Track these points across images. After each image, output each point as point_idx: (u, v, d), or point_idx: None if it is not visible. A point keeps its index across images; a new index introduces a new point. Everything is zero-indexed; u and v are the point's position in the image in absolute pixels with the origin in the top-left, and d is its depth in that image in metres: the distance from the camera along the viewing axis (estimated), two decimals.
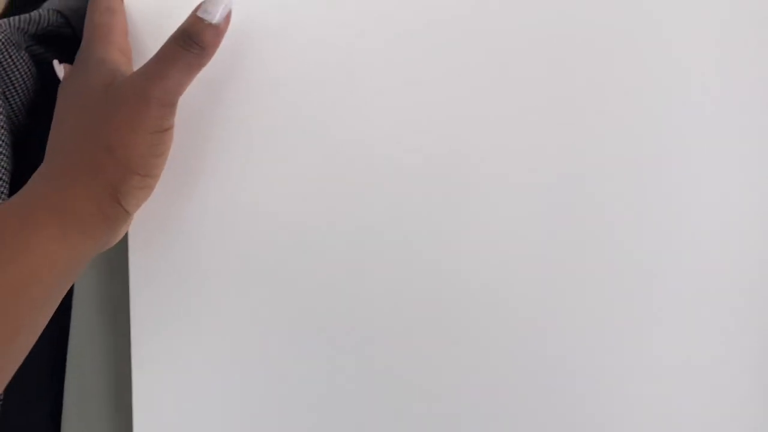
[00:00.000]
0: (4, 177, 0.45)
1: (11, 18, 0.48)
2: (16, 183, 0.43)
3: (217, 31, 0.31)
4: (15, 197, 0.30)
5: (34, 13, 0.50)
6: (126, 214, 0.32)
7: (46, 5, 0.53)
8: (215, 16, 0.30)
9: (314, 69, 0.34)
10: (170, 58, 0.31)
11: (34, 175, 0.31)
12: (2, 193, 0.45)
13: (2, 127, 0.45)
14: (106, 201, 0.30)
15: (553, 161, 0.33)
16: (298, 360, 0.34)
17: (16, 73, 0.46)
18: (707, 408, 0.33)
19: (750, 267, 0.33)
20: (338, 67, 0.35)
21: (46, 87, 0.48)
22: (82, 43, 0.36)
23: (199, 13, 0.31)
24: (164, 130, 0.31)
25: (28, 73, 0.46)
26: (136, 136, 0.30)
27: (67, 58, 0.46)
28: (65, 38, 0.51)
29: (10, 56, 0.45)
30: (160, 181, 0.35)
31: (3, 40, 0.43)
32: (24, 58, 0.45)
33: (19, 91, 0.47)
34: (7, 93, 0.45)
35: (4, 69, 0.44)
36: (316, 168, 0.34)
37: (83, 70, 0.33)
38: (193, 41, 0.31)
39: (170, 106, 0.31)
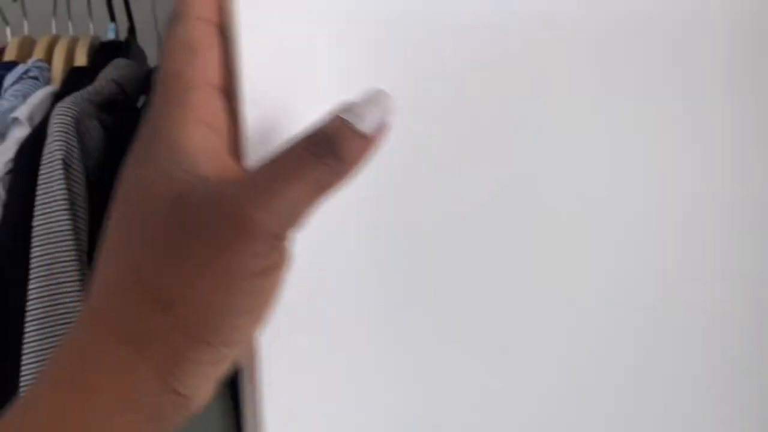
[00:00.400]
0: (84, 228, 0.53)
1: (81, 92, 0.56)
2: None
3: (367, 143, 0.22)
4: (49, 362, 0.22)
5: (97, 84, 0.58)
6: (184, 401, 0.21)
7: (102, 75, 0.61)
8: (368, 123, 0.22)
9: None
10: (292, 168, 0.21)
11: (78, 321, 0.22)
12: (82, 243, 0.53)
13: (83, 188, 0.53)
14: (151, 384, 0.20)
15: None
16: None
17: (90, 140, 0.54)
18: None
19: None
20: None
21: (111, 150, 0.56)
22: (153, 100, 0.25)
23: (345, 115, 0.22)
24: (262, 275, 0.21)
25: (99, 138, 0.55)
26: (215, 284, 0.20)
27: (128, 123, 0.54)
28: (121, 102, 0.60)
29: (86, 126, 0.53)
30: None
31: (80, 112, 0.51)
32: (95, 125, 0.53)
33: (92, 156, 0.55)
34: (84, 158, 0.53)
35: (81, 137, 0.52)
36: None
37: (146, 157, 0.22)
38: (333, 151, 0.22)
39: (278, 240, 0.21)
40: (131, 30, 0.71)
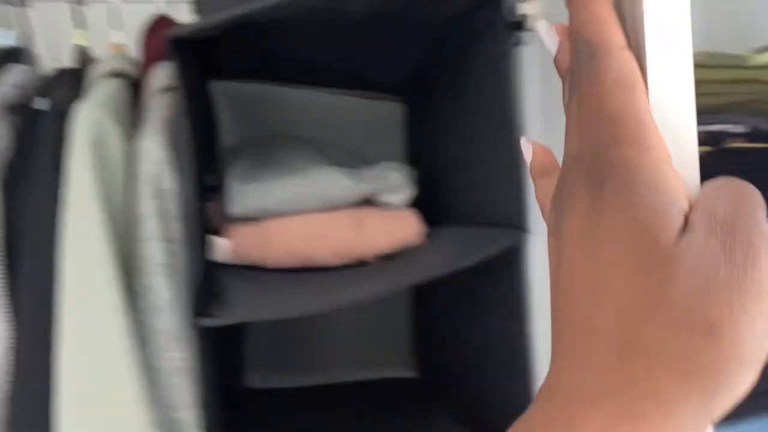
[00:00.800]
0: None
1: None
2: None
3: None
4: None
5: (3, 89, 0.63)
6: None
7: (4, 80, 0.66)
8: None
9: None
10: None
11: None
12: None
13: None
14: (698, 413, 0.19)
15: None
16: None
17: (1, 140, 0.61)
18: None
19: None
20: None
21: (19, 150, 0.62)
22: (575, 110, 0.22)
23: None
24: None
25: (8, 138, 0.61)
26: (759, 309, 0.19)
27: (32, 124, 0.60)
28: (25, 105, 0.65)
29: None
30: None
31: None
32: (4, 127, 0.59)
33: (2, 156, 0.61)
34: None
35: None
36: None
37: (627, 197, 0.20)
38: None
39: None
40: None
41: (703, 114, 0.76)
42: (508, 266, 0.66)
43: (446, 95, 0.78)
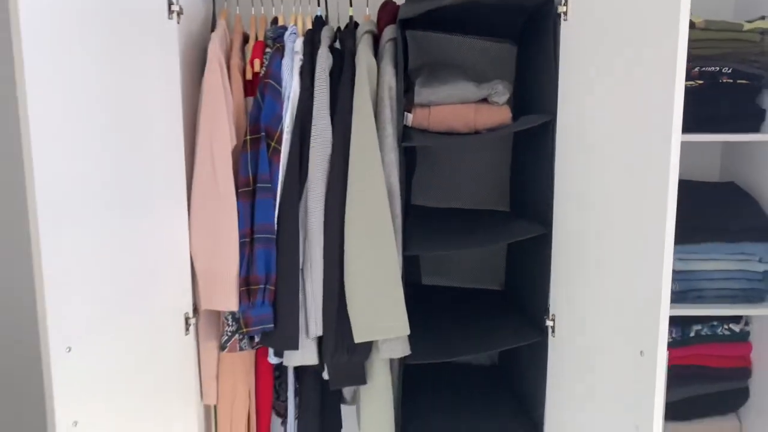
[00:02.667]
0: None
1: (319, 34, 1.40)
2: None
3: None
4: None
5: (324, 32, 1.41)
6: None
7: (322, 31, 1.44)
8: None
9: None
10: None
11: None
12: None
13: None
14: None
15: None
16: None
17: (326, 58, 1.39)
18: None
19: None
20: None
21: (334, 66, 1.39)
22: None
23: None
24: None
25: (329, 58, 1.39)
26: None
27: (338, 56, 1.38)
28: (332, 43, 1.43)
29: (321, 50, 1.38)
30: None
31: (320, 44, 1.36)
32: (327, 51, 1.38)
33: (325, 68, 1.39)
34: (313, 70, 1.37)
35: (313, 57, 1.37)
36: None
37: None
38: None
39: None
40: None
41: (703, 59, 1.41)
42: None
43: (534, 49, 1.45)
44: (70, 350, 1.00)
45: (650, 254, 1.03)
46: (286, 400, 1.57)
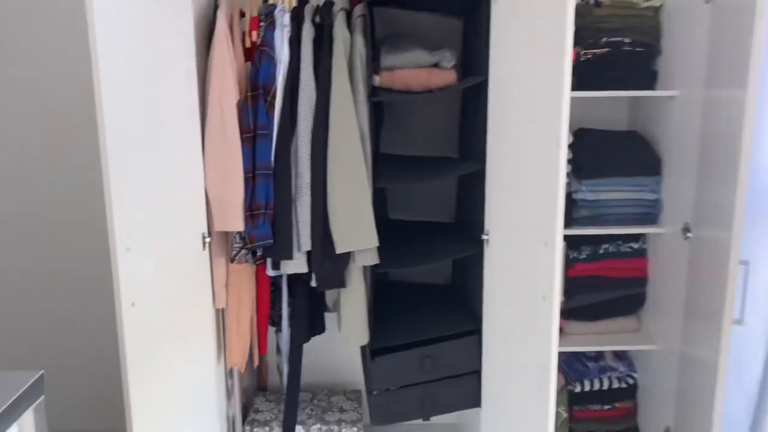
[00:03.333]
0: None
1: (302, 9, 1.75)
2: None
3: None
4: None
5: (307, 6, 1.76)
6: None
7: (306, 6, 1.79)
8: None
9: None
10: None
11: None
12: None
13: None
14: None
15: None
16: None
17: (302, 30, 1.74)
18: None
19: None
20: None
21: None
22: None
23: None
24: None
25: (308, 30, 1.74)
26: None
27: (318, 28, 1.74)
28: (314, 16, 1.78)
29: (304, 22, 1.72)
30: None
31: (302, 18, 1.71)
32: (310, 24, 1.73)
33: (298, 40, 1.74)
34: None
35: (300, 28, 1.72)
36: None
37: None
38: None
39: None
40: None
41: (609, 31, 1.84)
42: None
43: (473, 24, 1.82)
44: (129, 250, 1.36)
45: (550, 180, 1.42)
46: (280, 309, 1.96)
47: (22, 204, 2.22)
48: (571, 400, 2.12)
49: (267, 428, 2.05)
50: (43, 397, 1.04)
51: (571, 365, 2.16)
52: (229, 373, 1.95)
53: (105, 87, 1.26)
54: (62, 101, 2.14)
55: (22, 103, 2.16)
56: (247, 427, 2.05)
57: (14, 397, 0.96)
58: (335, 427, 2.05)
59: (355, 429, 2.06)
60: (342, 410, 2.15)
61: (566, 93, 1.36)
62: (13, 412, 0.96)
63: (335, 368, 2.35)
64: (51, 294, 2.27)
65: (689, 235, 1.72)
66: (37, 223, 2.23)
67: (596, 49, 1.92)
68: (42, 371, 1.05)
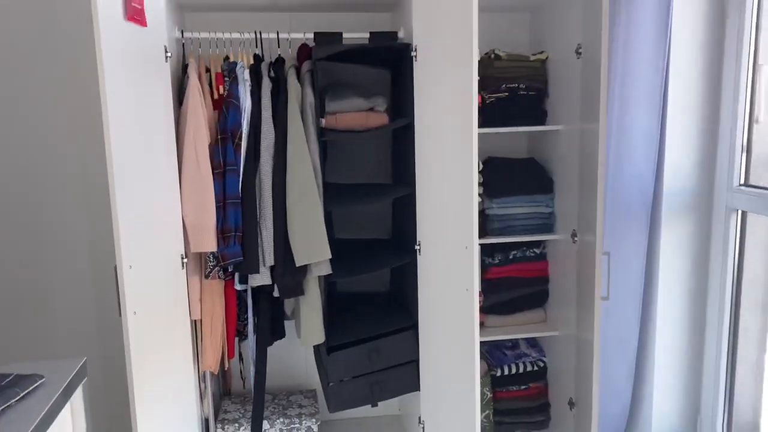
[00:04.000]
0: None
1: (259, 65, 2.11)
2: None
3: None
4: None
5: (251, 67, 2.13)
6: None
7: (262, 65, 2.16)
8: None
9: None
10: None
11: None
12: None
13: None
14: None
15: None
16: None
17: (261, 85, 2.11)
18: None
19: None
20: None
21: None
22: None
23: None
24: None
25: (264, 86, 2.11)
26: None
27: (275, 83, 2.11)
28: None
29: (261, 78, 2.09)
30: None
31: (259, 74, 2.08)
32: (268, 80, 2.10)
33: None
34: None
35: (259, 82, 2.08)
36: None
37: None
38: None
39: None
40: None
41: (507, 79, 2.31)
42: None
43: (401, 75, 2.25)
44: (131, 268, 1.66)
45: (466, 197, 1.83)
46: (245, 320, 2.27)
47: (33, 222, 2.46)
48: (494, 383, 2.54)
49: (237, 425, 2.34)
50: (86, 378, 1.33)
51: (492, 354, 2.59)
52: (202, 377, 2.24)
53: (113, 128, 1.57)
54: (77, 139, 2.42)
55: (45, 143, 2.41)
56: (219, 426, 2.34)
57: (69, 379, 1.25)
58: (296, 420, 2.37)
59: (313, 420, 2.38)
60: (301, 406, 2.47)
61: (475, 130, 1.78)
62: (68, 391, 1.25)
63: (291, 373, 2.68)
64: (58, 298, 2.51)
65: (576, 239, 2.18)
66: (52, 238, 2.47)
67: (498, 93, 2.38)
68: (85, 358, 1.34)
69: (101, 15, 1.53)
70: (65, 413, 1.24)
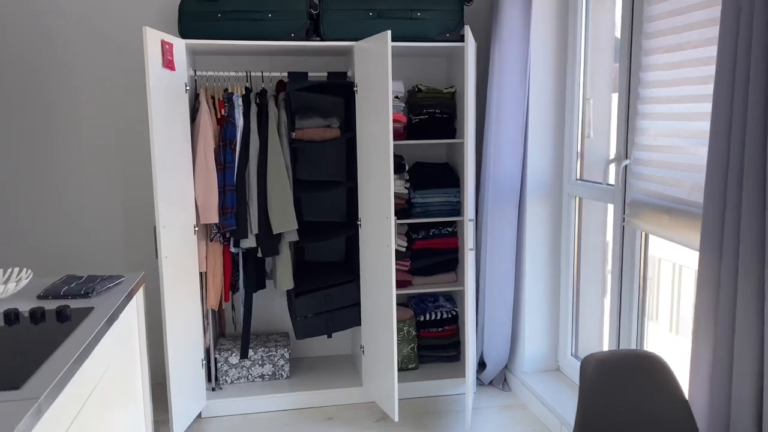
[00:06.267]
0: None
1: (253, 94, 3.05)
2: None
3: None
4: None
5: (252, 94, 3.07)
6: None
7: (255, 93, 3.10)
8: None
9: None
10: None
11: None
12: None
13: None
14: None
15: None
16: None
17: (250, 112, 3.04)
18: None
19: None
20: None
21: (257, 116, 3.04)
22: None
23: None
24: None
25: (253, 111, 3.04)
26: None
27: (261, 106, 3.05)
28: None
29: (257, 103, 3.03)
30: None
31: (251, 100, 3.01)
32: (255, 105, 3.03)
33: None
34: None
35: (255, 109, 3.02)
36: None
37: None
38: None
39: None
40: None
41: (427, 105, 3.32)
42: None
43: (349, 102, 3.19)
44: (164, 227, 2.57)
45: (385, 186, 2.76)
46: (237, 277, 3.19)
47: (105, 202, 3.35)
48: (418, 326, 3.46)
49: (230, 351, 3.24)
50: (144, 283, 2.24)
51: (417, 304, 3.52)
52: (205, 315, 3.15)
53: (155, 134, 2.51)
54: (134, 144, 3.32)
55: (111, 144, 3.32)
56: (217, 352, 3.24)
57: (136, 281, 2.16)
58: (273, 349, 3.28)
59: (285, 349, 3.29)
60: (276, 341, 3.38)
61: (390, 142, 2.73)
62: (136, 288, 2.15)
63: (270, 319, 3.59)
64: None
65: (470, 220, 3.12)
66: (113, 208, 3.36)
67: (421, 116, 3.34)
68: (144, 272, 2.25)
69: (150, 66, 2.47)
70: (134, 300, 2.15)
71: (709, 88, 1.94)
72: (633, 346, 2.56)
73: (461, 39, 3.10)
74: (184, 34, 2.91)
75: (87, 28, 3.23)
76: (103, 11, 3.23)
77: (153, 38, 2.53)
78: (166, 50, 2.65)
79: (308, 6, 2.99)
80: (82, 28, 3.23)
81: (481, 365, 3.40)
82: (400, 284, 3.33)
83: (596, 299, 3.14)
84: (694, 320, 1.71)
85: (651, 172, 2.28)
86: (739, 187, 1.54)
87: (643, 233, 2.49)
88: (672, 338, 4.18)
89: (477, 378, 3.37)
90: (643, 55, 2.31)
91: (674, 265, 4.30)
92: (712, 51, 1.93)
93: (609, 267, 2.79)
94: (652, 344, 3.95)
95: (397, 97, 3.27)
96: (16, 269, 1.88)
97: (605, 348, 3.04)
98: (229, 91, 3.11)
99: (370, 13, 3.01)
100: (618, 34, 2.56)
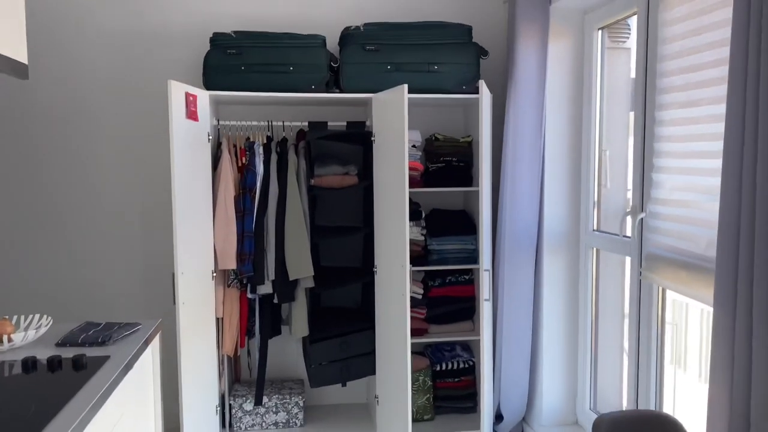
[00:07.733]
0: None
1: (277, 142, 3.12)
2: None
3: None
4: None
5: (273, 143, 3.15)
6: None
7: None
8: None
9: None
10: None
11: None
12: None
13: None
14: None
15: None
16: None
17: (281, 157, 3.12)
18: None
19: None
20: None
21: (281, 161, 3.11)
22: None
23: None
24: None
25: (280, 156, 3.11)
26: None
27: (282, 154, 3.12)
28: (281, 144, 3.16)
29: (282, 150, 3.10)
30: None
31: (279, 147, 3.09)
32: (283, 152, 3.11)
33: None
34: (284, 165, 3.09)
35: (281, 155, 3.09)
36: None
37: None
38: None
39: None
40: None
41: (445, 154, 3.37)
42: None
43: (367, 150, 3.26)
44: (183, 274, 2.62)
45: (400, 234, 2.78)
46: (254, 322, 3.21)
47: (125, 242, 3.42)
48: (434, 376, 3.42)
49: (244, 398, 3.23)
50: (161, 330, 2.26)
51: (434, 353, 3.49)
52: (221, 361, 3.15)
53: (177, 182, 2.58)
54: (154, 190, 3.41)
55: (136, 190, 3.41)
56: (231, 398, 3.23)
57: (152, 328, 2.19)
58: (288, 397, 3.26)
59: (300, 397, 3.27)
60: (291, 388, 3.36)
61: (406, 190, 2.76)
62: (153, 335, 2.18)
63: (285, 366, 3.58)
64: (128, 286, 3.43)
65: (486, 270, 3.12)
66: (133, 254, 3.43)
67: (438, 164, 3.37)
68: (161, 319, 2.28)
69: (174, 117, 2.56)
70: (150, 348, 2.18)
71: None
72: (651, 403, 2.50)
73: (477, 91, 3.16)
74: (208, 86, 3.02)
75: (114, 81, 3.36)
76: (131, 64, 3.36)
77: (177, 91, 2.63)
78: (190, 102, 2.74)
79: (329, 60, 3.08)
80: (109, 81, 3.36)
81: (498, 417, 3.34)
82: (415, 332, 3.31)
83: (616, 351, 3.08)
84: (710, 377, 1.68)
85: (667, 226, 2.27)
86: (751, 242, 1.53)
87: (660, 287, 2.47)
88: (701, 387, 4.07)
89: (494, 430, 3.30)
90: (657, 110, 2.34)
91: (702, 311, 4.21)
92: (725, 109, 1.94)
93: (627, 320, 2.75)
94: (680, 394, 3.84)
95: (414, 146, 3.32)
96: (37, 316, 1.92)
97: (624, 402, 2.97)
98: (251, 140, 3.19)
99: (389, 67, 3.09)
100: (633, 83, 2.59)
